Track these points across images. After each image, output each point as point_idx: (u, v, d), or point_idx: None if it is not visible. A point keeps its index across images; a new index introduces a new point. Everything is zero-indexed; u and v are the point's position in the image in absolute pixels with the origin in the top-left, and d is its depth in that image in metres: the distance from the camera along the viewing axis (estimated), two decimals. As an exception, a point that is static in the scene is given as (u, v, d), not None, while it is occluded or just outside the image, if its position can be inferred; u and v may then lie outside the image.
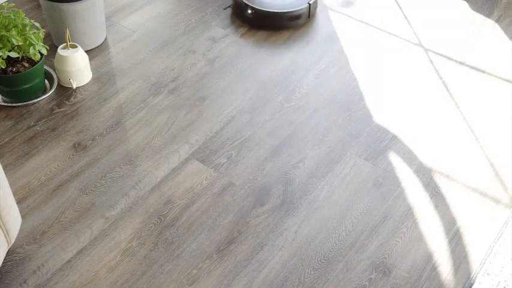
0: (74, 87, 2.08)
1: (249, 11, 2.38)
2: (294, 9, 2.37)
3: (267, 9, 2.36)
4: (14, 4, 2.04)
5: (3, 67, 1.89)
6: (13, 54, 1.90)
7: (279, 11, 2.36)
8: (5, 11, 1.93)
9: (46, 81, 2.09)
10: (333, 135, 1.96)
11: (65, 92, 2.08)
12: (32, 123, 1.96)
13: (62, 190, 1.76)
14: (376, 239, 1.66)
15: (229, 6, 2.49)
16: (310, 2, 2.40)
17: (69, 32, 2.11)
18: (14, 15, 1.92)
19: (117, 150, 1.89)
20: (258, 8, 2.37)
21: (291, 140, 1.94)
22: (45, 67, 2.10)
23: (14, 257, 1.59)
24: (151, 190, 1.77)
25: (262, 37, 2.36)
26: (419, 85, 2.16)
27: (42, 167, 1.83)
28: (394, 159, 1.89)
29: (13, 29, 1.89)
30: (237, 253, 1.62)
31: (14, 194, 1.74)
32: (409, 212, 1.73)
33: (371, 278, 1.57)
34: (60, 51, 2.06)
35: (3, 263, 1.57)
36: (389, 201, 1.76)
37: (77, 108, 2.03)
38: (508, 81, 2.18)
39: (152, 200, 1.75)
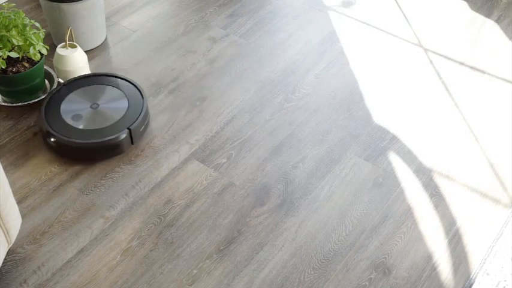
0: None
1: (52, 139, 1.82)
2: (107, 139, 1.81)
3: (70, 139, 1.80)
4: (14, 4, 2.04)
5: (4, 67, 1.89)
6: (13, 54, 1.90)
7: (85, 141, 1.80)
8: (5, 11, 1.93)
9: (46, 81, 2.09)
10: (333, 135, 1.96)
11: (65, 92, 2.09)
12: (32, 123, 1.96)
13: (62, 190, 1.76)
14: (376, 239, 1.66)
15: (40, 130, 1.89)
16: (132, 127, 1.85)
17: (73, 31, 2.10)
18: (14, 15, 1.92)
19: (117, 150, 1.89)
20: (60, 136, 1.81)
21: (291, 140, 1.94)
22: (45, 67, 2.10)
23: (14, 257, 1.59)
24: (151, 190, 1.77)
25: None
26: (419, 85, 2.16)
27: (42, 167, 1.83)
28: (394, 159, 1.89)
29: (13, 29, 1.89)
30: (237, 253, 1.62)
31: (14, 194, 1.74)
32: (409, 212, 1.73)
33: (371, 278, 1.57)
34: (59, 50, 2.05)
35: (3, 263, 1.57)
36: (389, 201, 1.76)
37: (77, 108, 2.03)
38: (508, 81, 2.18)
39: (152, 200, 1.75)
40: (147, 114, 1.93)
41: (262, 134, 1.96)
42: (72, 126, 1.85)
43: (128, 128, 1.85)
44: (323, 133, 1.97)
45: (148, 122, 1.95)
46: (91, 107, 1.91)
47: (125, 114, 1.89)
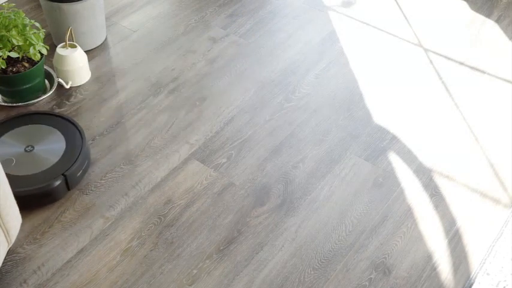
0: (67, 87, 2.07)
1: None
2: (38, 186, 1.62)
3: None
4: (14, 4, 2.04)
5: (4, 67, 1.89)
6: (13, 54, 1.90)
7: (14, 189, 1.51)
8: (5, 11, 1.93)
9: (46, 81, 2.09)
10: (333, 135, 1.96)
11: (65, 92, 2.09)
12: (32, 123, 1.96)
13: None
14: (376, 239, 1.66)
15: None
16: (67, 173, 1.67)
17: (73, 31, 2.10)
18: (14, 15, 1.92)
19: (117, 150, 1.89)
20: None
21: (291, 140, 1.94)
22: (45, 67, 2.10)
23: (14, 257, 1.59)
24: (151, 190, 1.77)
25: None
26: (419, 85, 2.16)
27: (42, 167, 1.83)
28: (394, 159, 1.89)
29: (13, 29, 1.89)
30: (237, 253, 1.62)
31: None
32: (409, 212, 1.73)
33: (371, 278, 1.57)
34: (59, 50, 2.06)
35: (3, 263, 1.57)
36: (389, 201, 1.76)
37: (77, 108, 2.03)
38: (508, 81, 2.18)
39: (152, 200, 1.75)
40: (86, 157, 1.75)
41: (262, 134, 1.96)
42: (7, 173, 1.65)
43: (63, 174, 1.67)
44: (323, 133, 1.97)
45: (88, 165, 1.77)
46: (25, 149, 1.73)
47: (61, 158, 1.71)
